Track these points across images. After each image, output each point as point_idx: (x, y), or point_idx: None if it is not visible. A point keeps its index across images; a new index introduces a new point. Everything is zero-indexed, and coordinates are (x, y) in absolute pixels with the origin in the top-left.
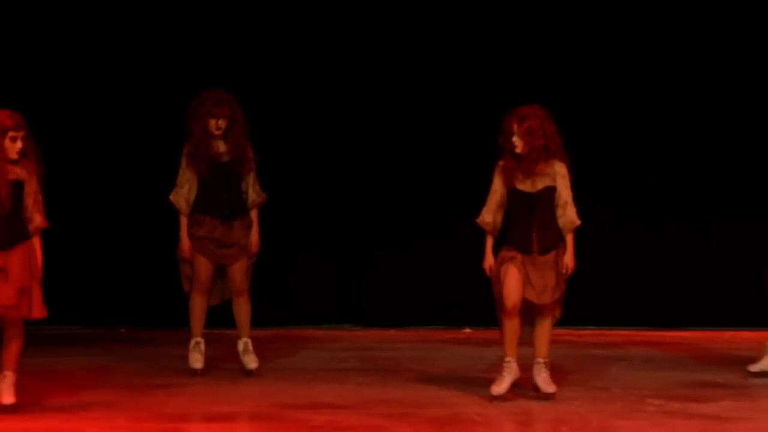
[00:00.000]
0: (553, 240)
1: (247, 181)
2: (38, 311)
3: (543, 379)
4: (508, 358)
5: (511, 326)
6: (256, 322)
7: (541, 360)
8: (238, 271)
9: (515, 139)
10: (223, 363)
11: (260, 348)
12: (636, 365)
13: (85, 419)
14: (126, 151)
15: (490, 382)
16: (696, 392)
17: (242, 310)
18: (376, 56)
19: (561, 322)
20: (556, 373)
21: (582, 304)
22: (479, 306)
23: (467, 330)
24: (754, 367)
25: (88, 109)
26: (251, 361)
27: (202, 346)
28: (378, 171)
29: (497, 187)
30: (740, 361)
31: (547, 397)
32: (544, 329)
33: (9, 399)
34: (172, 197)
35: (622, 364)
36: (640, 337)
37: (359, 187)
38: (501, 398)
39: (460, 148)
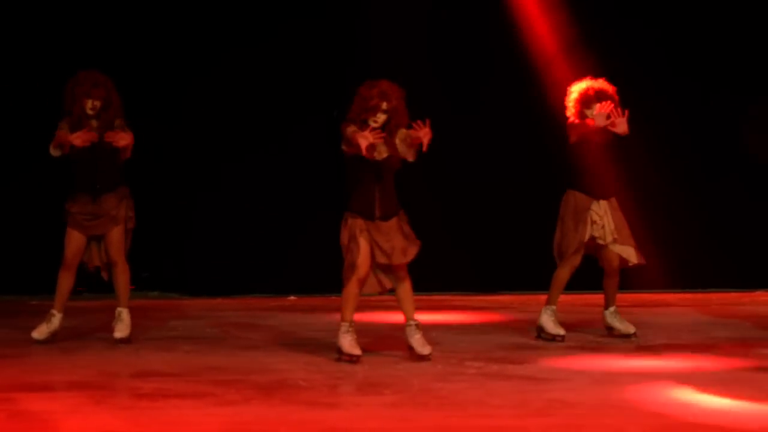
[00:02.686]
0: (394, 207)
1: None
2: None
3: (417, 341)
4: (345, 324)
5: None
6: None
7: (412, 323)
8: (111, 241)
9: (381, 113)
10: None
11: (89, 318)
12: (456, 329)
13: None
14: None
15: (316, 347)
16: (514, 354)
17: (118, 279)
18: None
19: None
20: (376, 338)
21: None
22: (303, 273)
23: (292, 297)
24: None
25: None
26: (118, 330)
27: (56, 320)
28: (203, 139)
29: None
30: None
31: (422, 358)
32: (406, 292)
33: None
34: (51, 150)
35: (443, 328)
36: (460, 302)
37: (182, 156)
38: (352, 359)
39: (288, 121)
